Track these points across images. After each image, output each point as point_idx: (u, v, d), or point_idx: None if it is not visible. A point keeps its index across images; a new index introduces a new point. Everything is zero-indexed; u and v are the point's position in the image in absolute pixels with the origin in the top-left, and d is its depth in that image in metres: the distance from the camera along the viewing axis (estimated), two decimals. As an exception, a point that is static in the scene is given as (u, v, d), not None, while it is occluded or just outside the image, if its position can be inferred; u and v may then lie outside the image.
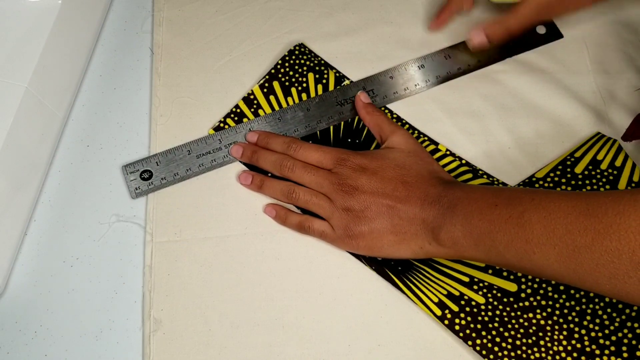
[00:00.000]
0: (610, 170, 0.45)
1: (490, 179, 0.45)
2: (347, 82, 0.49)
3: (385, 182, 0.41)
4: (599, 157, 0.45)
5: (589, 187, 0.44)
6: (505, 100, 0.49)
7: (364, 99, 0.47)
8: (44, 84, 0.44)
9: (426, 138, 0.47)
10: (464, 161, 0.46)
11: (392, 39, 0.52)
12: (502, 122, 0.48)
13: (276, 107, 0.48)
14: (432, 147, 0.47)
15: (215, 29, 0.52)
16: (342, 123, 0.48)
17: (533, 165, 0.46)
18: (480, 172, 0.45)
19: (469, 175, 0.45)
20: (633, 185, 0.44)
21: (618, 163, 0.45)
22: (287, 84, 0.49)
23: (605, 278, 0.32)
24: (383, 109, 0.48)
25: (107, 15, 0.53)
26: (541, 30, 0.52)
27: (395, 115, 0.48)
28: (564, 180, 0.45)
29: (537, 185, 0.45)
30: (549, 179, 0.45)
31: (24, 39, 0.43)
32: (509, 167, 0.46)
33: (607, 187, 0.44)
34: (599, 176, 0.45)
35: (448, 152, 0.46)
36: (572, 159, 0.45)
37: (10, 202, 0.42)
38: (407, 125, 0.48)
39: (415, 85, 0.49)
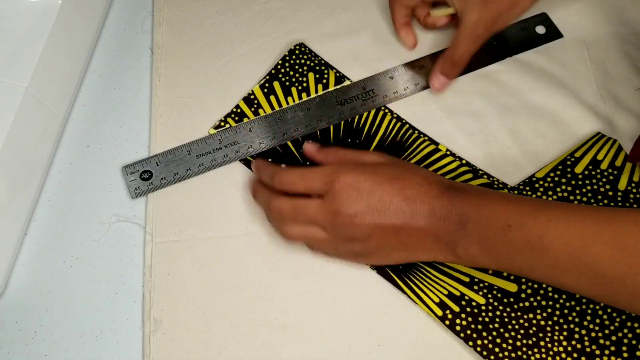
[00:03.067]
0: (610, 170, 0.45)
1: (491, 179, 0.45)
2: (347, 82, 0.49)
3: (385, 202, 0.37)
4: (599, 157, 0.45)
5: (589, 187, 0.44)
6: (505, 100, 0.49)
7: (311, 148, 0.43)
8: (44, 84, 0.44)
9: (426, 138, 0.47)
10: (464, 161, 0.46)
11: (393, 39, 0.52)
12: (502, 122, 0.48)
13: (276, 107, 0.48)
14: (432, 147, 0.47)
15: (215, 29, 0.52)
16: (342, 122, 0.48)
17: (533, 165, 0.46)
18: (480, 172, 0.45)
19: (469, 176, 0.45)
20: (633, 185, 0.44)
21: (618, 163, 0.45)
22: (287, 83, 0.49)
23: None
24: (383, 108, 0.48)
25: (107, 15, 0.53)
26: (541, 30, 0.52)
27: (395, 115, 0.48)
28: (564, 180, 0.45)
29: (536, 185, 0.44)
30: (549, 179, 0.45)
31: (24, 39, 0.43)
32: (509, 167, 0.46)
33: (607, 187, 0.44)
34: (599, 176, 0.45)
35: (448, 152, 0.46)
36: (572, 159, 0.45)
37: (10, 202, 0.42)
38: (407, 125, 0.48)
39: (416, 85, 0.49)
